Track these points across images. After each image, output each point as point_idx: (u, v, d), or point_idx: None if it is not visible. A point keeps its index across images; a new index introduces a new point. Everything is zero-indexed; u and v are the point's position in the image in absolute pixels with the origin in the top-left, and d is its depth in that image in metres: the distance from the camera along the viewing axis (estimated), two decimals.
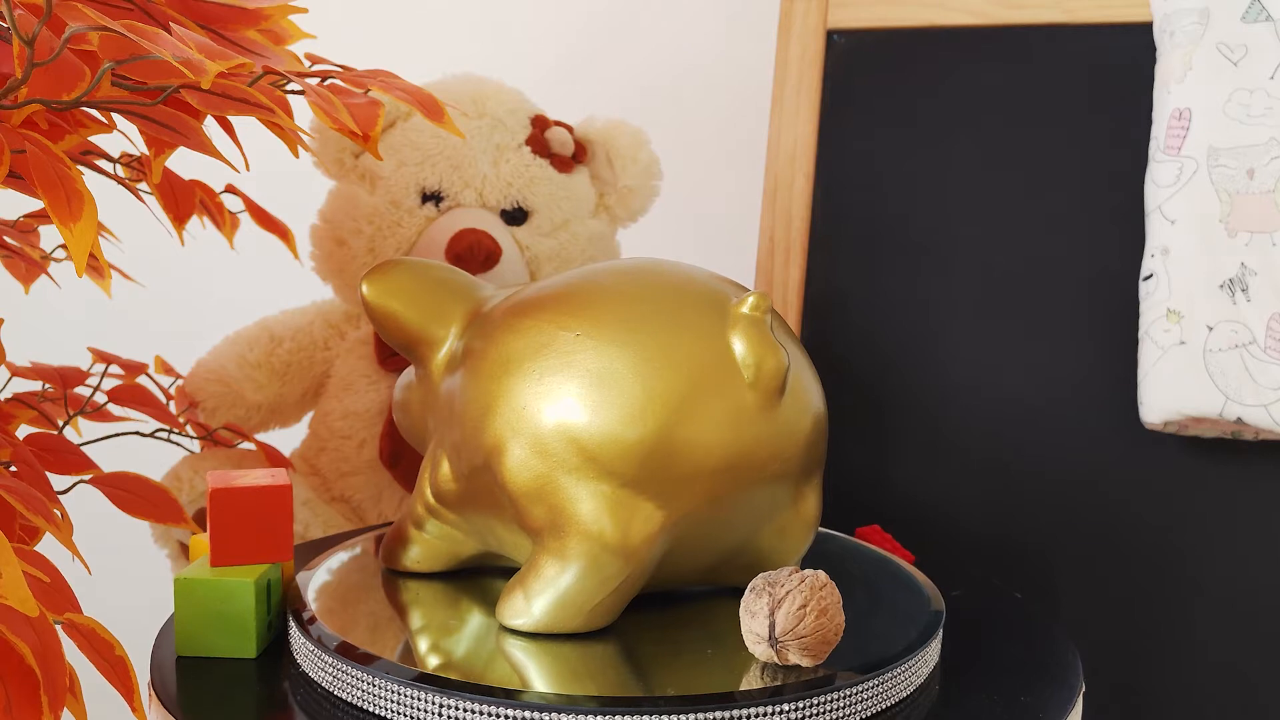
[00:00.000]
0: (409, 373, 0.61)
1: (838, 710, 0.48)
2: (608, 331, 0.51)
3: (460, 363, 0.55)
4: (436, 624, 0.54)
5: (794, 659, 0.48)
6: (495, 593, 0.57)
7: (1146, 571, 0.73)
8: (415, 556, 0.59)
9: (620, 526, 0.50)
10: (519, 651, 0.50)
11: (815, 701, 0.47)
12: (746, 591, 0.49)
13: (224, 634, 0.53)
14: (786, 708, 0.46)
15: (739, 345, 0.51)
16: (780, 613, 0.47)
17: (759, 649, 0.48)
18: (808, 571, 0.49)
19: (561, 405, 0.50)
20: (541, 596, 0.51)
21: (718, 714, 0.45)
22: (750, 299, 0.52)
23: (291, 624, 0.53)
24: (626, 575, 0.51)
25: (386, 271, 0.58)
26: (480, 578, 0.59)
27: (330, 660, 0.49)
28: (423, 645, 0.52)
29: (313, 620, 0.52)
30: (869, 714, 0.49)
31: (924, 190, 0.82)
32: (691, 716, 0.45)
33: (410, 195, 0.78)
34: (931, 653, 0.53)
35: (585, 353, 0.51)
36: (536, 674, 0.48)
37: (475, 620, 0.54)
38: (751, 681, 0.48)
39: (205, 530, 0.64)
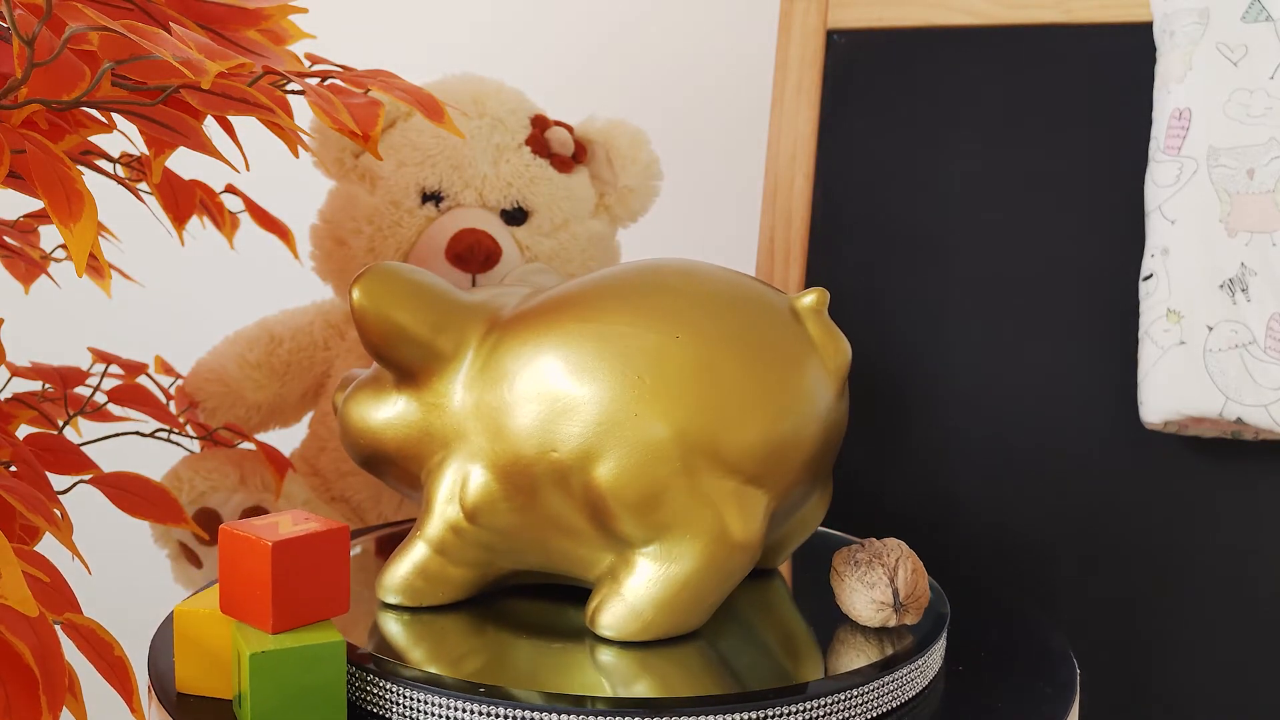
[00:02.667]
0: (367, 392, 0.56)
1: (847, 710, 0.48)
2: (707, 331, 0.51)
3: (500, 374, 0.52)
4: (480, 635, 0.52)
5: (908, 620, 0.53)
6: (503, 601, 0.57)
7: (1146, 571, 0.73)
8: (443, 588, 0.54)
9: (744, 521, 0.50)
10: (609, 659, 0.50)
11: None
12: (847, 568, 0.53)
13: (311, 708, 0.46)
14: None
15: (816, 336, 0.53)
16: (899, 579, 0.52)
17: (880, 615, 0.52)
18: (887, 540, 0.54)
19: (678, 409, 0.49)
20: (655, 602, 0.50)
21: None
22: (812, 294, 0.54)
23: None
24: (747, 568, 0.52)
25: (381, 278, 0.53)
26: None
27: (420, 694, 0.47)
28: (491, 660, 0.50)
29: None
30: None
31: (924, 190, 0.82)
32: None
33: (410, 195, 0.78)
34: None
35: (687, 354, 0.50)
36: (647, 681, 0.48)
37: (524, 629, 0.53)
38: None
39: (197, 587, 0.59)
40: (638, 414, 0.49)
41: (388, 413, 0.55)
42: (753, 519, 0.51)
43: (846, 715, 0.47)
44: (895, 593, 0.52)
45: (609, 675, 0.49)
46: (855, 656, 0.50)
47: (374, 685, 0.48)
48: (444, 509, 0.53)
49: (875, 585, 0.52)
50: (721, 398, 0.50)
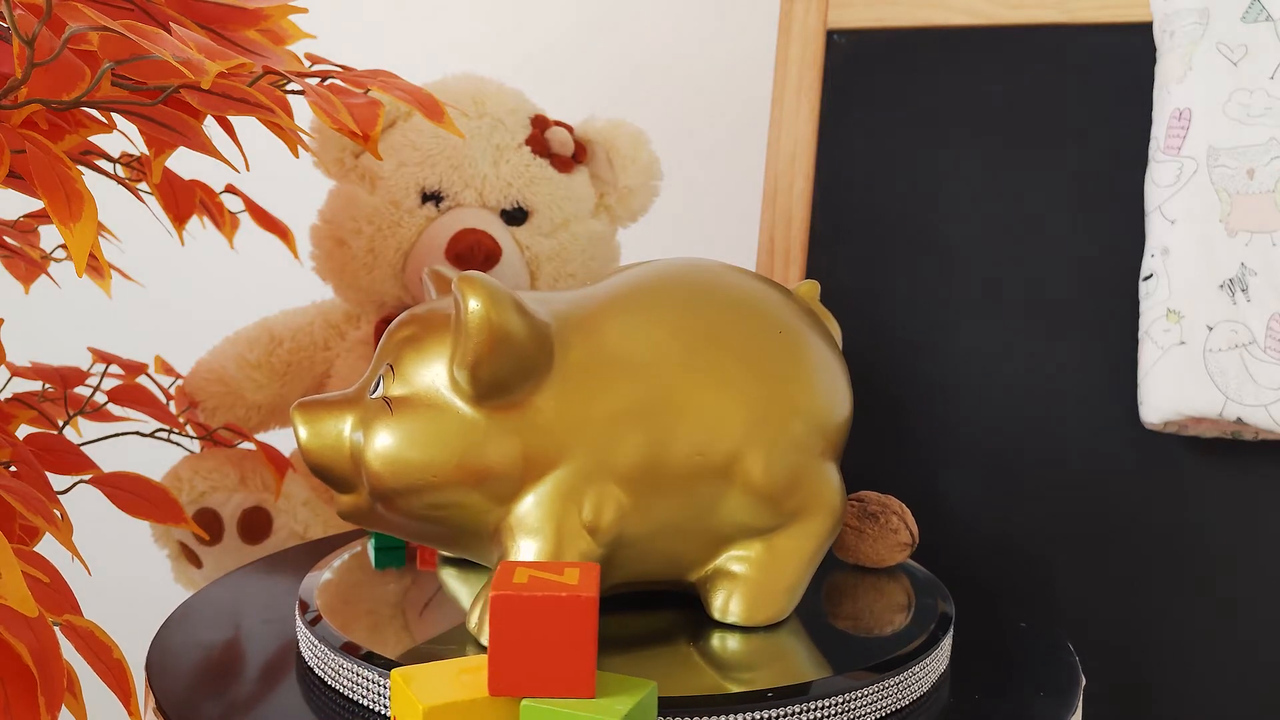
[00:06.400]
0: (415, 423, 0.48)
1: (851, 711, 0.48)
2: (789, 323, 0.54)
3: (611, 384, 0.49)
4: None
5: (910, 555, 0.61)
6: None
7: (1146, 571, 0.73)
8: None
9: (842, 493, 0.55)
10: (719, 647, 0.51)
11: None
12: (863, 521, 0.60)
13: None
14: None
15: (825, 321, 0.58)
16: (908, 521, 0.60)
17: (901, 555, 0.60)
18: (870, 493, 0.61)
19: (805, 398, 0.52)
20: (787, 583, 0.53)
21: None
22: (806, 284, 0.58)
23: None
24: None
25: (492, 287, 0.47)
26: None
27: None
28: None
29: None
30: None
31: (924, 190, 0.82)
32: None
33: (410, 195, 0.78)
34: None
35: (791, 345, 0.53)
36: (779, 667, 0.49)
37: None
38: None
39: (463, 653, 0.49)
40: (778, 410, 0.51)
41: (470, 440, 0.48)
42: (841, 489, 0.55)
43: (851, 716, 0.47)
44: (911, 533, 0.60)
45: (726, 671, 0.49)
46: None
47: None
48: (559, 530, 0.48)
49: (898, 530, 0.60)
50: (823, 382, 0.54)
